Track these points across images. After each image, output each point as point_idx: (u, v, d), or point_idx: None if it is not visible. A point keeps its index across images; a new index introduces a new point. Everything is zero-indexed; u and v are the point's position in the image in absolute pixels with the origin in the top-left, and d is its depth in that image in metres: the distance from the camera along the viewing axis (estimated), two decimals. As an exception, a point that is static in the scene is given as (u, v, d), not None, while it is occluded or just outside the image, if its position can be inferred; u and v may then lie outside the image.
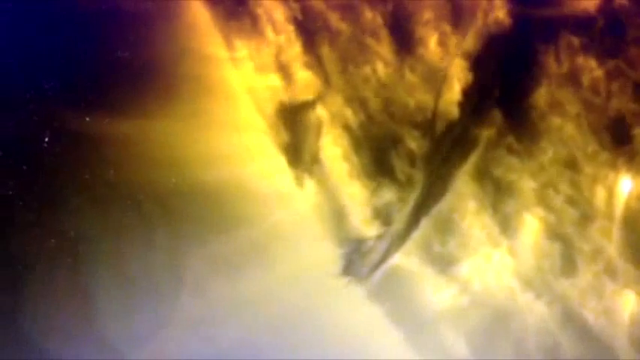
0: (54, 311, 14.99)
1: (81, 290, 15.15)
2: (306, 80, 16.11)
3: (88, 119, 15.09)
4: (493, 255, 15.92)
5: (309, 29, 15.97)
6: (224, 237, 15.81)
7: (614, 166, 14.75)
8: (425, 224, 16.11)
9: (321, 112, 16.15)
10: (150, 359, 15.65)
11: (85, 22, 15.03)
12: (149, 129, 15.34)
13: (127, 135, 15.23)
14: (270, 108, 16.26)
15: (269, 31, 16.10)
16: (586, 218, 14.99)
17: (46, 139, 14.83)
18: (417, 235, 16.19)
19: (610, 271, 14.97)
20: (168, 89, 15.42)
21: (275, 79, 16.19)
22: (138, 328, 15.48)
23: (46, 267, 14.96)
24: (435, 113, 15.59)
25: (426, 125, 15.66)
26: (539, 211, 15.31)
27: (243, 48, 16.13)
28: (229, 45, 16.09)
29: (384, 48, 15.57)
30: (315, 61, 16.01)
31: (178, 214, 15.64)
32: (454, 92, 15.44)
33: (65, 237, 15.04)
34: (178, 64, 15.52)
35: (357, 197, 16.33)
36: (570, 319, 15.45)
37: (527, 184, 15.31)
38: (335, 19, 15.84)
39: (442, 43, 15.38)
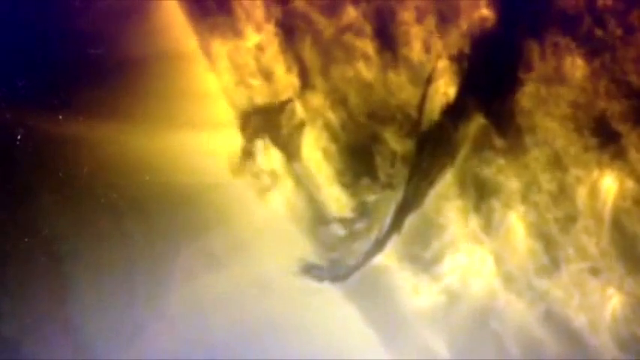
0: (28, 311, 14.96)
1: (55, 289, 15.11)
2: (285, 80, 15.98)
3: (61, 117, 15.07)
4: (475, 254, 15.81)
5: (290, 28, 15.82)
6: (200, 236, 15.75)
7: (599, 166, 14.56)
8: (407, 224, 15.95)
9: (300, 112, 16.02)
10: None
11: (58, 19, 15.02)
12: (123, 127, 15.29)
13: (101, 133, 15.18)
14: (248, 108, 16.16)
15: (248, 30, 15.96)
16: (570, 217, 14.84)
17: (19, 137, 14.84)
18: (398, 234, 16.04)
19: (594, 270, 14.84)
20: (143, 88, 15.36)
21: (253, 79, 16.08)
22: (114, 327, 15.42)
23: (20, 266, 14.94)
24: (418, 113, 15.44)
25: (410, 125, 15.53)
26: (523, 210, 15.17)
27: (220, 47, 16.02)
28: (205, 44, 16.00)
29: (367, 47, 15.40)
30: (296, 61, 15.87)
31: (153, 212, 15.59)
32: (438, 92, 15.31)
33: (39, 235, 15.03)
34: (153, 63, 15.45)
35: (338, 198, 16.20)
36: (553, 317, 15.34)
37: (511, 183, 15.15)
38: (317, 18, 15.68)
39: (427, 42, 15.23)
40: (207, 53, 16.04)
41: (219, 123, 16.04)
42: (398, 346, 16.03)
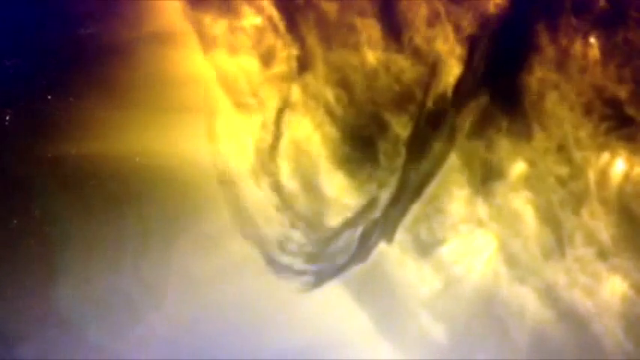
0: (17, 293, 14.83)
1: (45, 271, 14.95)
2: (285, 62, 15.67)
3: (50, 98, 14.98)
4: (479, 238, 15.58)
5: (290, 8, 15.46)
6: (193, 218, 15.54)
7: (609, 149, 14.48)
8: (410, 209, 15.60)
9: (300, 95, 15.69)
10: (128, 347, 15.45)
11: (49, -1, 14.97)
12: (113, 108, 15.13)
13: (90, 114, 15.03)
14: (244, 91, 15.86)
15: (247, 10, 15.66)
16: (578, 201, 14.71)
17: (8, 118, 14.77)
18: (401, 220, 15.61)
19: (600, 255, 14.74)
20: (134, 70, 15.16)
21: (251, 62, 15.78)
22: (106, 310, 15.24)
23: (9, 248, 14.84)
24: (423, 96, 15.12)
25: (414, 109, 15.22)
26: (529, 194, 15.01)
27: (216, 28, 15.74)
28: (200, 25, 15.73)
29: (371, 29, 15.09)
30: (297, 42, 15.53)
31: (145, 194, 15.39)
32: (445, 75, 14.99)
33: (29, 217, 14.92)
34: (145, 44, 15.25)
35: (338, 183, 15.92)
36: (557, 302, 15.17)
37: (518, 167, 14.99)
38: (320, -2, 15.23)
39: (433, 23, 14.91)
40: (202, 34, 15.77)
41: (212, 105, 15.78)
42: (397, 332, 15.75)
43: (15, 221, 14.74)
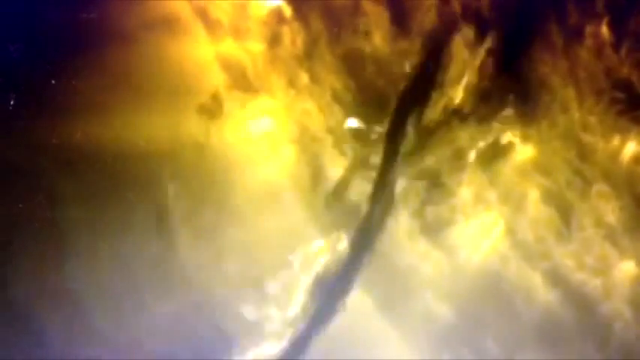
0: (22, 278, 14.70)
1: (50, 256, 14.83)
2: (291, 48, 15.66)
3: (53, 82, 14.88)
4: (487, 221, 15.66)
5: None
6: (198, 201, 15.48)
7: (619, 132, 14.61)
8: (416, 190, 15.75)
9: (306, 79, 15.73)
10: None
11: (51, -17, 14.82)
12: (117, 92, 15.03)
13: (95, 98, 14.93)
14: (250, 75, 15.82)
15: (253, -6, 15.62)
16: (587, 184, 14.88)
17: (12, 102, 14.66)
18: (406, 200, 15.74)
19: (609, 237, 14.87)
20: (137, 54, 15.08)
21: (257, 47, 15.74)
22: (113, 294, 15.12)
23: (14, 232, 14.71)
24: (431, 81, 15.21)
25: (422, 93, 15.27)
26: (537, 176, 15.17)
27: (220, 13, 15.69)
28: (204, 9, 15.67)
29: (379, 14, 15.15)
30: (304, 28, 15.53)
31: (149, 179, 15.32)
32: (452, 59, 15.08)
33: (33, 202, 14.81)
34: (147, 28, 15.17)
35: (344, 166, 15.88)
36: (565, 283, 15.31)
37: (526, 149, 15.14)
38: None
39: (441, 8, 14.98)
40: (208, 19, 15.70)
41: (218, 90, 15.70)
42: (403, 314, 15.82)
43: (20, 206, 14.67)
